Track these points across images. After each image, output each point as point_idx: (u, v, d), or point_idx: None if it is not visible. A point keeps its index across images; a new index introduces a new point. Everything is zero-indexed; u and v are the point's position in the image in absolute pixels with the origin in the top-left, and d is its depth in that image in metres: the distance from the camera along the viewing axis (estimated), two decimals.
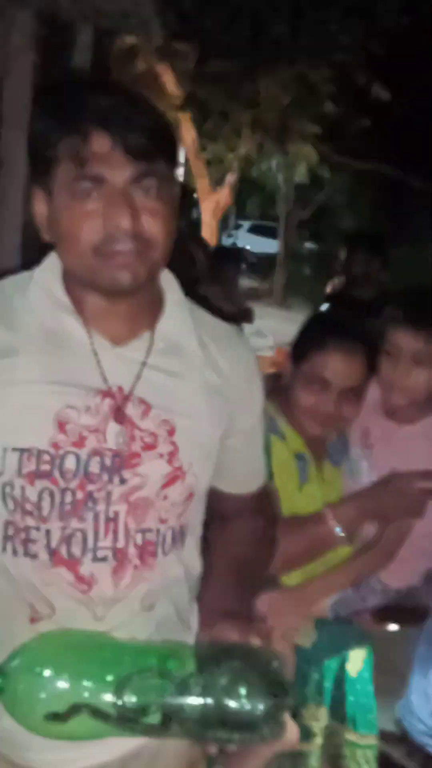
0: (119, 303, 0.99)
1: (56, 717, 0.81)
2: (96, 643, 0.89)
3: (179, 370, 1.03)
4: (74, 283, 0.99)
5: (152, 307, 1.04)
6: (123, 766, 1.07)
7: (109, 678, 0.81)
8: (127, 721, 0.80)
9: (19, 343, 0.97)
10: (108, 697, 0.80)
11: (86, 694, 0.80)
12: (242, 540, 1.15)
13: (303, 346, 1.48)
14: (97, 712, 0.80)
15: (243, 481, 1.19)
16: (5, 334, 0.97)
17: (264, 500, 1.23)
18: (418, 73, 9.73)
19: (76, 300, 0.99)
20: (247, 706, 0.80)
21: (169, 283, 1.07)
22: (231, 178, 10.34)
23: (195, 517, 1.08)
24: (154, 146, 0.92)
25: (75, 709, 0.80)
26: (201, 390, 1.04)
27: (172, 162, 0.97)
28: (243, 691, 0.80)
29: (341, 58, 8.86)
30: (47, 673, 0.81)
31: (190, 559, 1.08)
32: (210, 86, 9.04)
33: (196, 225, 8.31)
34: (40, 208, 0.97)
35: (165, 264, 1.00)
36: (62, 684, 0.81)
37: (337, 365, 1.43)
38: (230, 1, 8.07)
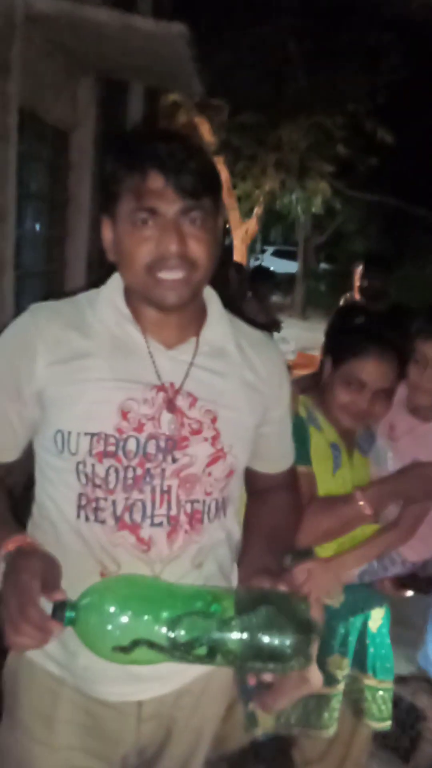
0: (170, 316, 1.00)
1: (122, 650, 0.82)
2: (154, 586, 0.90)
3: (221, 370, 1.04)
4: (133, 297, 1.01)
5: (198, 317, 1.05)
6: (177, 698, 1.08)
7: (164, 615, 0.82)
8: (178, 652, 0.81)
9: (92, 347, 0.99)
10: (162, 631, 0.81)
11: (144, 627, 0.81)
12: (274, 510, 1.15)
13: (343, 352, 1.48)
14: (153, 645, 0.81)
15: (274, 463, 1.19)
16: (81, 340, 0.99)
17: (292, 478, 1.23)
18: (419, 117, 9.64)
19: (135, 312, 1.01)
20: (279, 642, 0.80)
21: (211, 297, 1.09)
22: (258, 210, 10.31)
23: (235, 491, 1.09)
24: (201, 185, 0.93)
25: (135, 643, 0.81)
26: (239, 386, 1.05)
27: (217, 199, 0.98)
28: (275, 628, 0.80)
29: (351, 107, 8.82)
30: (112, 609, 0.82)
31: (231, 525, 1.09)
32: (240, 134, 9.07)
33: (229, 250, 8.32)
34: (107, 234, 0.99)
35: (207, 283, 1.02)
36: (125, 618, 0.82)
37: (373, 369, 1.42)
38: (256, 63, 8.09)
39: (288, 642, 0.80)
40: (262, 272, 4.87)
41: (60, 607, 0.82)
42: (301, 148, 9.17)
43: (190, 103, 8.33)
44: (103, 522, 0.97)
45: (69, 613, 0.82)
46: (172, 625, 0.80)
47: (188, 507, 0.99)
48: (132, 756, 1.12)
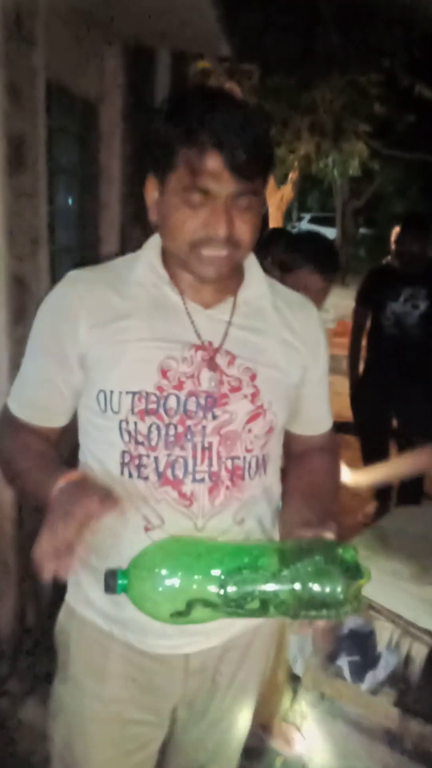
0: (207, 282, 1.03)
1: (180, 614, 0.85)
2: (200, 546, 0.92)
3: (259, 328, 1.06)
4: (172, 261, 1.04)
5: (235, 278, 1.07)
6: (223, 653, 1.12)
7: (213, 573, 0.84)
8: (231, 607, 0.84)
9: (131, 309, 1.02)
10: (214, 589, 0.83)
11: (195, 587, 0.84)
12: (313, 472, 1.17)
13: None
14: (208, 603, 0.84)
15: (313, 425, 1.21)
16: (120, 302, 1.02)
17: (330, 441, 1.24)
18: None
19: (173, 274, 1.04)
20: (330, 589, 0.82)
21: (249, 258, 1.10)
22: (293, 175, 10.14)
23: (274, 449, 1.11)
24: (257, 166, 0.93)
25: (191, 604, 0.84)
26: (278, 345, 1.07)
27: (266, 178, 0.99)
28: (324, 576, 0.82)
29: (387, 63, 8.52)
30: (163, 571, 0.85)
31: (271, 483, 1.11)
32: (272, 98, 8.86)
33: (264, 219, 8.23)
34: (152, 192, 1.00)
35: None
36: (176, 580, 0.84)
37: None
38: (285, 22, 7.87)
39: (339, 588, 0.82)
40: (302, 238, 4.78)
41: (111, 575, 0.86)
42: (335, 109, 8.92)
43: (219, 69, 8.19)
44: (146, 478, 1.00)
45: (121, 581, 0.86)
46: (223, 582, 0.83)
47: (229, 463, 1.01)
48: (181, 709, 1.17)
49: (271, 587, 0.83)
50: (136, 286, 1.04)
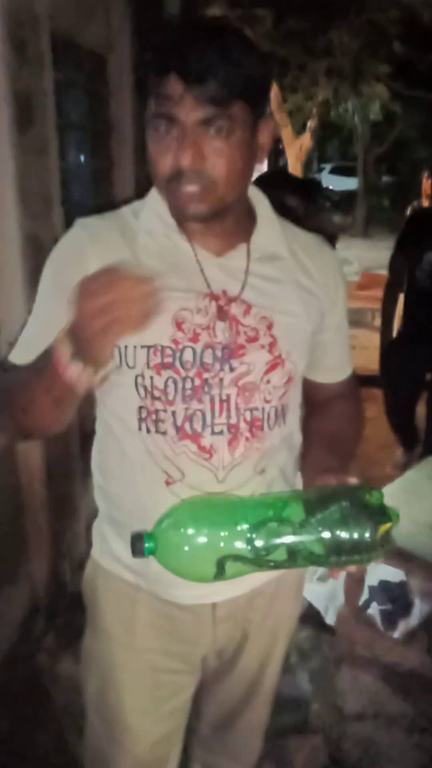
0: (211, 225, 0.98)
1: (218, 575, 0.85)
2: (224, 502, 0.92)
3: (274, 275, 1.03)
4: None
5: (246, 222, 1.03)
6: (250, 600, 1.12)
7: (240, 528, 0.83)
8: (260, 560, 0.83)
9: (142, 258, 0.99)
10: (241, 544, 0.83)
11: (223, 544, 0.83)
12: (333, 418, 1.15)
13: None
14: (238, 558, 0.83)
15: (333, 372, 1.18)
16: (130, 252, 0.99)
17: (351, 387, 1.22)
18: None
19: (180, 221, 1.00)
20: (358, 534, 0.81)
21: (259, 200, 1.06)
22: (311, 123, 9.87)
23: (294, 398, 1.09)
24: (229, 90, 0.86)
25: (221, 561, 0.83)
26: (294, 291, 1.04)
27: (256, 103, 0.91)
28: (351, 521, 0.81)
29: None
30: (190, 531, 0.84)
31: (291, 432, 1.10)
32: (286, 43, 8.56)
33: (284, 170, 8.04)
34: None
35: (239, 195, 0.97)
36: (202, 539, 0.84)
37: None
38: None
39: (367, 533, 0.81)
40: (311, 184, 4.65)
41: (138, 539, 0.85)
42: (353, 51, 8.60)
43: (232, 15, 7.92)
44: (164, 433, 0.98)
45: (148, 544, 0.85)
46: (250, 536, 0.82)
47: (248, 415, 1.00)
48: (211, 657, 1.18)
49: (298, 537, 0.82)
50: (144, 234, 1.00)
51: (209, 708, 1.33)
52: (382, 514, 0.82)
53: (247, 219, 1.04)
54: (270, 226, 1.05)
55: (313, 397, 1.16)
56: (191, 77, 0.85)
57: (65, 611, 2.30)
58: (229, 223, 1.00)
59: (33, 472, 2.23)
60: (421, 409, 3.27)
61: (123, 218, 1.03)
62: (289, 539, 0.82)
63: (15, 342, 1.07)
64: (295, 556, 0.83)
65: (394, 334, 3.22)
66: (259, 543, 0.82)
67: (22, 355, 1.04)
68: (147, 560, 1.04)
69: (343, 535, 0.81)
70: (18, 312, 2.02)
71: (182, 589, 1.06)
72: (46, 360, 0.87)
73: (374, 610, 2.26)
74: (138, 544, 0.85)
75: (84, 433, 1.08)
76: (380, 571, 2.32)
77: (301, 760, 1.85)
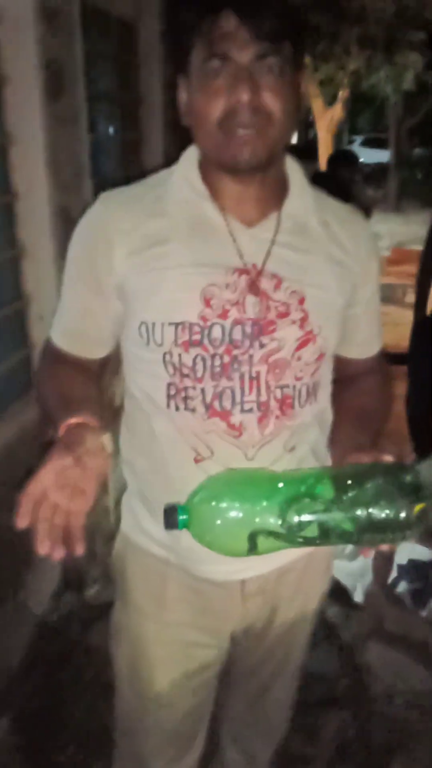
0: (248, 186, 0.96)
1: (251, 550, 0.84)
2: (257, 476, 0.91)
3: (306, 246, 1.00)
4: (209, 170, 0.97)
5: (278, 190, 1.00)
6: (279, 576, 1.12)
7: (272, 504, 0.82)
8: (292, 536, 0.82)
9: (169, 231, 0.96)
10: (274, 520, 0.82)
11: (256, 519, 0.82)
12: (364, 394, 1.13)
13: None
14: (270, 533, 0.82)
15: (364, 347, 1.16)
16: (157, 225, 0.96)
17: (381, 363, 1.19)
18: None
19: (212, 188, 0.97)
20: (391, 512, 0.79)
21: (293, 169, 1.03)
22: (343, 94, 9.65)
23: (325, 375, 1.06)
24: (281, 27, 0.85)
25: (253, 536, 0.82)
26: (326, 263, 1.01)
27: (299, 45, 0.90)
28: (384, 499, 0.79)
29: None
30: (223, 504, 0.83)
31: (323, 409, 1.07)
32: (318, 10, 8.34)
33: (314, 143, 7.90)
34: (182, 95, 0.95)
35: (286, 144, 0.95)
36: (235, 513, 0.83)
37: None
38: None
39: (402, 511, 0.79)
40: (342, 156, 4.55)
41: (172, 511, 0.84)
42: (386, 18, 8.34)
43: None
44: (193, 410, 0.97)
45: (182, 516, 0.84)
46: (283, 512, 0.81)
47: (278, 392, 0.97)
48: (240, 632, 1.18)
49: (331, 514, 0.80)
50: (173, 204, 0.98)
51: (238, 683, 1.34)
52: (417, 492, 0.80)
53: (281, 187, 1.01)
54: (302, 195, 1.02)
55: (342, 373, 1.13)
56: (246, 12, 0.84)
57: (96, 584, 2.33)
58: (265, 188, 0.97)
59: None
60: None
61: (150, 188, 1.01)
62: (321, 516, 0.81)
63: (52, 318, 1.08)
64: (327, 534, 0.81)
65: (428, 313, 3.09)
66: (291, 519, 0.81)
67: (62, 340, 1.07)
68: (177, 536, 1.03)
69: (377, 513, 0.79)
70: (49, 286, 2.02)
71: (211, 564, 1.05)
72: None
73: (403, 588, 2.25)
74: (171, 516, 0.85)
75: (113, 409, 1.08)
76: (410, 550, 2.30)
77: (328, 734, 1.86)
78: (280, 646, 1.23)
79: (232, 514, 0.83)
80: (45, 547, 0.75)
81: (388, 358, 1.22)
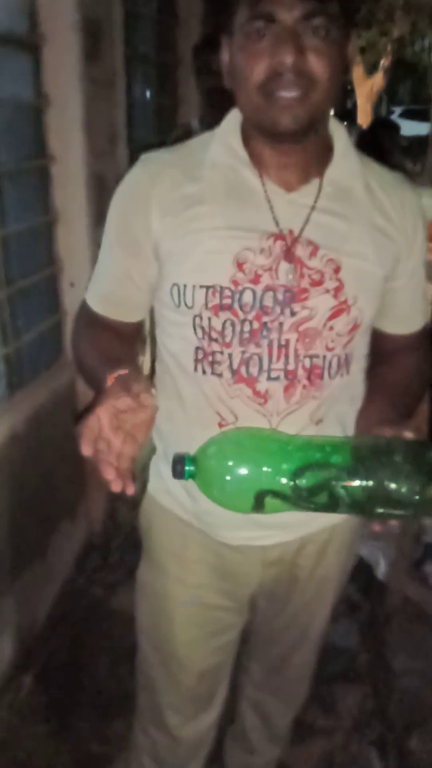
0: (290, 152, 0.93)
1: (256, 509, 0.83)
2: (272, 438, 0.90)
3: (346, 213, 0.97)
4: (251, 135, 0.95)
5: (322, 155, 0.97)
6: (301, 547, 1.12)
7: (284, 467, 0.81)
8: (300, 500, 0.81)
9: (206, 194, 0.95)
10: (283, 481, 0.81)
11: (264, 479, 0.82)
12: (400, 370, 1.10)
13: None
14: (278, 494, 0.82)
15: (405, 322, 1.12)
16: (194, 187, 0.95)
17: (423, 340, 1.15)
18: None
19: (252, 152, 0.96)
20: (406, 488, 0.78)
21: (337, 132, 1.00)
22: (385, 62, 9.35)
23: (360, 348, 1.04)
24: None
25: (262, 496, 0.82)
26: (367, 231, 0.98)
27: (346, 6, 0.86)
28: (400, 475, 0.78)
29: None
30: (231, 462, 0.83)
31: (354, 382, 1.05)
32: None
33: (352, 112, 7.70)
34: (224, 56, 0.93)
35: (330, 108, 0.92)
36: (244, 470, 0.82)
37: None
38: None
39: (416, 488, 0.78)
40: (383, 124, 4.43)
41: (180, 461, 0.84)
42: None
43: None
44: (219, 375, 0.97)
45: (189, 467, 0.84)
46: (293, 475, 0.80)
47: (307, 362, 0.96)
48: (261, 599, 1.19)
49: (342, 483, 0.79)
50: (210, 168, 0.96)
51: (260, 649, 1.35)
52: None
53: (324, 152, 0.98)
54: (347, 159, 0.99)
55: (379, 348, 1.11)
56: None
57: (120, 548, 2.37)
58: (307, 153, 0.94)
59: None
60: None
61: (191, 151, 0.99)
62: (332, 484, 0.79)
63: (84, 285, 1.08)
64: (336, 502, 0.80)
65: None
66: (301, 484, 0.80)
67: (98, 304, 1.07)
68: (197, 499, 1.05)
69: (391, 487, 0.78)
70: (82, 253, 2.01)
71: (232, 530, 1.06)
72: (99, 385, 0.87)
73: (429, 567, 2.24)
74: (179, 465, 0.84)
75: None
76: None
77: (347, 708, 1.88)
78: (301, 615, 1.24)
79: (240, 471, 0.82)
80: (111, 473, 0.77)
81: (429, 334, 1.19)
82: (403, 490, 0.78)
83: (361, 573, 2.27)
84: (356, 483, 0.79)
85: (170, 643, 1.18)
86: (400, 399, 1.04)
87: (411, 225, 1.03)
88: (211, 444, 0.86)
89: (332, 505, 0.81)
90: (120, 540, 2.40)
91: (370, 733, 1.81)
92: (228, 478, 0.82)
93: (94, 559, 2.35)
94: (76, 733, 1.78)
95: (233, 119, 0.98)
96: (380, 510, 0.80)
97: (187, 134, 1.34)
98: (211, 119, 1.05)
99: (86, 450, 0.77)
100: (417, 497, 0.78)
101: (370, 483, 0.78)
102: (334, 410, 1.02)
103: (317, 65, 0.85)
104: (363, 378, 1.08)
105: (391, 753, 1.76)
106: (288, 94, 0.85)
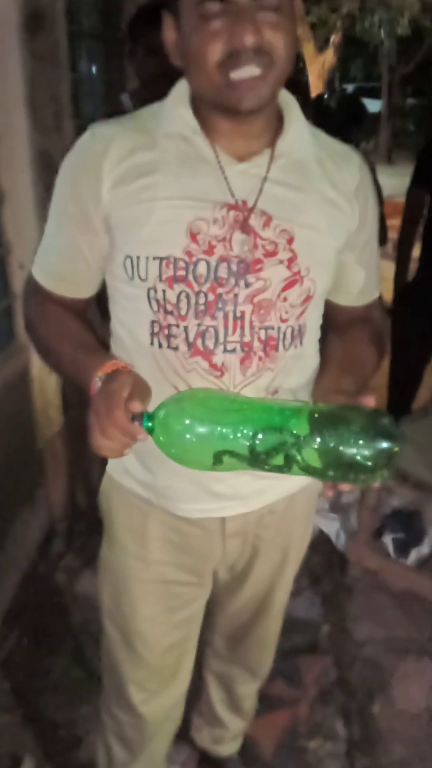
0: (243, 124, 0.93)
1: (215, 466, 0.84)
2: (232, 399, 0.90)
3: (299, 184, 0.97)
4: (202, 106, 0.94)
5: (273, 125, 0.97)
6: (261, 517, 1.13)
7: (242, 427, 0.82)
8: (257, 461, 0.83)
9: (158, 163, 0.94)
10: (241, 442, 0.82)
11: (221, 439, 0.82)
12: (353, 341, 1.11)
13: None
14: (235, 454, 0.83)
15: (358, 294, 1.13)
16: (146, 156, 0.94)
17: (376, 312, 1.17)
18: None
19: (203, 122, 0.95)
20: (360, 453, 0.80)
21: (288, 103, 0.99)
22: (335, 38, 9.35)
23: (313, 319, 1.05)
24: None
25: (220, 455, 0.83)
26: (319, 203, 0.98)
27: None
28: (355, 440, 0.79)
29: None
30: (188, 420, 0.84)
31: (307, 354, 1.06)
32: None
33: (305, 89, 7.66)
34: (169, 34, 0.92)
35: (286, 77, 0.91)
36: (203, 429, 0.83)
37: None
38: None
39: (368, 453, 0.79)
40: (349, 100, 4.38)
41: (138, 418, 0.84)
42: None
43: None
44: (176, 348, 0.96)
45: (146, 423, 0.84)
46: (249, 436, 0.82)
47: (262, 333, 0.96)
48: (222, 571, 1.21)
49: (298, 447, 0.81)
50: (163, 137, 0.95)
51: (222, 621, 1.37)
52: (388, 437, 0.80)
53: (276, 122, 0.98)
54: (298, 131, 0.99)
55: (334, 320, 1.12)
56: None
57: (82, 533, 2.35)
58: (259, 123, 0.94)
59: (48, 398, 2.22)
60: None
61: (141, 122, 0.98)
62: (288, 447, 0.81)
63: (36, 260, 1.06)
64: (291, 464, 0.82)
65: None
66: (257, 444, 0.82)
67: (47, 279, 1.04)
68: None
69: (344, 452, 0.80)
70: (30, 233, 1.97)
71: (190, 503, 1.07)
72: (81, 373, 0.92)
73: (387, 538, 2.28)
74: (137, 422, 0.84)
75: None
76: (394, 500, 2.33)
77: (310, 678, 1.91)
78: (263, 586, 1.26)
79: (199, 430, 0.83)
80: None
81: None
82: (357, 456, 0.79)
83: (321, 546, 2.31)
84: (311, 447, 0.80)
85: (133, 620, 1.18)
86: (355, 369, 1.05)
87: (362, 197, 1.03)
88: (169, 402, 0.86)
89: (287, 467, 0.82)
90: (82, 525, 2.38)
91: (334, 702, 1.85)
92: (188, 436, 0.83)
93: (57, 545, 2.33)
94: (43, 719, 1.77)
95: (181, 90, 0.97)
96: (333, 473, 0.82)
97: (119, 111, 1.31)
98: (146, 96, 1.03)
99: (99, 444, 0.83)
100: (369, 463, 0.80)
101: (325, 447, 0.80)
102: (288, 382, 1.03)
103: (275, 41, 0.85)
104: (316, 350, 1.09)
105: (354, 720, 1.80)
106: (249, 74, 0.85)
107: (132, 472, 1.10)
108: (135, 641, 1.20)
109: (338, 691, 1.88)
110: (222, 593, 1.28)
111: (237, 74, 0.85)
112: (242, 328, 0.95)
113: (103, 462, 1.17)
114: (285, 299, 0.97)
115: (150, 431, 0.84)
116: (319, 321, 1.08)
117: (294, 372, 1.03)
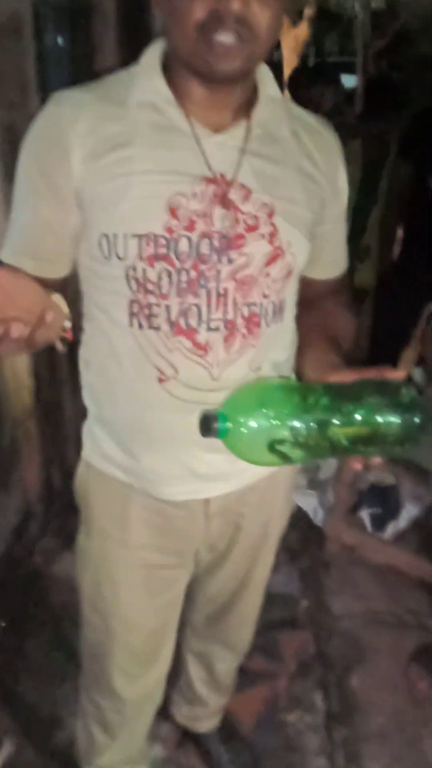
0: (218, 92, 0.91)
1: (283, 460, 0.86)
2: (293, 388, 0.90)
3: (277, 157, 0.96)
4: (176, 73, 0.92)
5: (248, 97, 0.95)
6: (242, 495, 1.12)
7: (305, 415, 0.83)
8: (308, 448, 0.84)
9: (131, 135, 0.91)
10: (286, 431, 0.82)
11: (279, 431, 0.83)
12: (329, 316, 1.11)
13: None
14: (283, 442, 0.83)
15: (331, 267, 1.13)
16: (118, 127, 0.91)
17: (343, 284, 1.17)
18: None
19: (177, 91, 0.92)
20: (385, 429, 0.82)
21: (264, 75, 0.98)
22: (308, 11, 9.23)
23: (291, 294, 1.04)
24: None
25: (275, 444, 0.84)
26: (296, 175, 0.97)
27: None
28: (380, 417, 0.81)
29: None
30: (252, 420, 0.84)
31: (287, 330, 1.06)
32: None
33: (278, 65, 7.58)
34: None
35: (264, 55, 0.90)
36: (271, 422, 0.83)
37: None
38: None
39: (395, 427, 0.82)
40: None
41: (212, 419, 0.84)
42: None
43: None
44: (157, 328, 0.94)
45: (222, 424, 0.84)
46: (301, 422, 0.83)
47: (245, 310, 0.95)
48: (204, 551, 1.20)
49: (339, 429, 0.82)
50: (135, 107, 0.92)
51: (202, 599, 1.37)
52: (413, 409, 0.82)
53: (251, 94, 0.96)
54: (273, 102, 0.97)
55: (305, 294, 1.10)
56: None
57: (59, 515, 2.33)
58: (235, 94, 0.92)
59: (20, 380, 2.19)
60: None
61: (109, 90, 0.94)
62: (333, 431, 0.82)
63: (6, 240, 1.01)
64: (335, 446, 0.83)
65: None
66: (303, 431, 0.83)
67: (17, 259, 0.97)
68: (137, 458, 1.03)
69: (381, 427, 0.82)
70: None
71: (173, 486, 1.06)
72: None
73: (364, 513, 2.30)
74: (212, 423, 0.84)
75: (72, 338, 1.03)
76: (370, 475, 2.34)
77: (289, 653, 1.93)
78: (244, 563, 1.26)
79: (267, 422, 0.84)
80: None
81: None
82: (393, 428, 0.82)
83: (299, 522, 2.32)
84: (351, 427, 0.82)
85: (115, 606, 1.17)
86: (337, 343, 1.05)
87: (335, 170, 1.03)
88: (235, 399, 0.87)
89: (332, 449, 0.84)
90: (59, 506, 2.37)
91: (313, 675, 1.87)
92: (257, 429, 0.84)
93: (33, 527, 2.31)
94: (23, 701, 1.77)
95: (153, 55, 0.94)
96: (364, 449, 0.84)
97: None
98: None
99: None
100: (396, 436, 0.82)
101: (362, 426, 0.82)
102: (270, 357, 1.02)
103: (260, 16, 0.83)
104: (294, 325, 1.09)
105: (333, 693, 1.83)
106: (227, 40, 0.83)
107: (111, 456, 1.08)
108: (117, 627, 1.19)
109: (317, 664, 1.91)
110: (203, 572, 1.27)
111: (216, 36, 0.83)
112: (225, 305, 0.94)
113: (78, 443, 1.16)
114: (268, 275, 0.96)
115: (226, 433, 0.85)
116: (296, 296, 1.07)
117: (276, 347, 1.02)
